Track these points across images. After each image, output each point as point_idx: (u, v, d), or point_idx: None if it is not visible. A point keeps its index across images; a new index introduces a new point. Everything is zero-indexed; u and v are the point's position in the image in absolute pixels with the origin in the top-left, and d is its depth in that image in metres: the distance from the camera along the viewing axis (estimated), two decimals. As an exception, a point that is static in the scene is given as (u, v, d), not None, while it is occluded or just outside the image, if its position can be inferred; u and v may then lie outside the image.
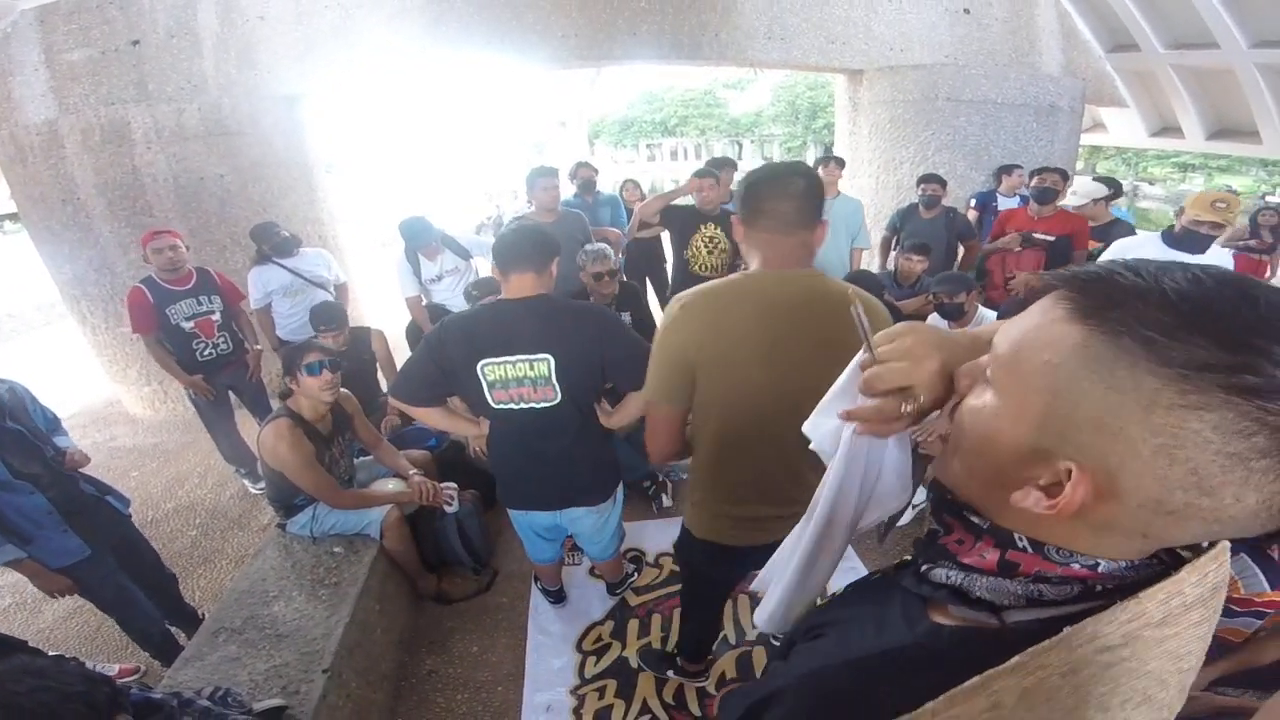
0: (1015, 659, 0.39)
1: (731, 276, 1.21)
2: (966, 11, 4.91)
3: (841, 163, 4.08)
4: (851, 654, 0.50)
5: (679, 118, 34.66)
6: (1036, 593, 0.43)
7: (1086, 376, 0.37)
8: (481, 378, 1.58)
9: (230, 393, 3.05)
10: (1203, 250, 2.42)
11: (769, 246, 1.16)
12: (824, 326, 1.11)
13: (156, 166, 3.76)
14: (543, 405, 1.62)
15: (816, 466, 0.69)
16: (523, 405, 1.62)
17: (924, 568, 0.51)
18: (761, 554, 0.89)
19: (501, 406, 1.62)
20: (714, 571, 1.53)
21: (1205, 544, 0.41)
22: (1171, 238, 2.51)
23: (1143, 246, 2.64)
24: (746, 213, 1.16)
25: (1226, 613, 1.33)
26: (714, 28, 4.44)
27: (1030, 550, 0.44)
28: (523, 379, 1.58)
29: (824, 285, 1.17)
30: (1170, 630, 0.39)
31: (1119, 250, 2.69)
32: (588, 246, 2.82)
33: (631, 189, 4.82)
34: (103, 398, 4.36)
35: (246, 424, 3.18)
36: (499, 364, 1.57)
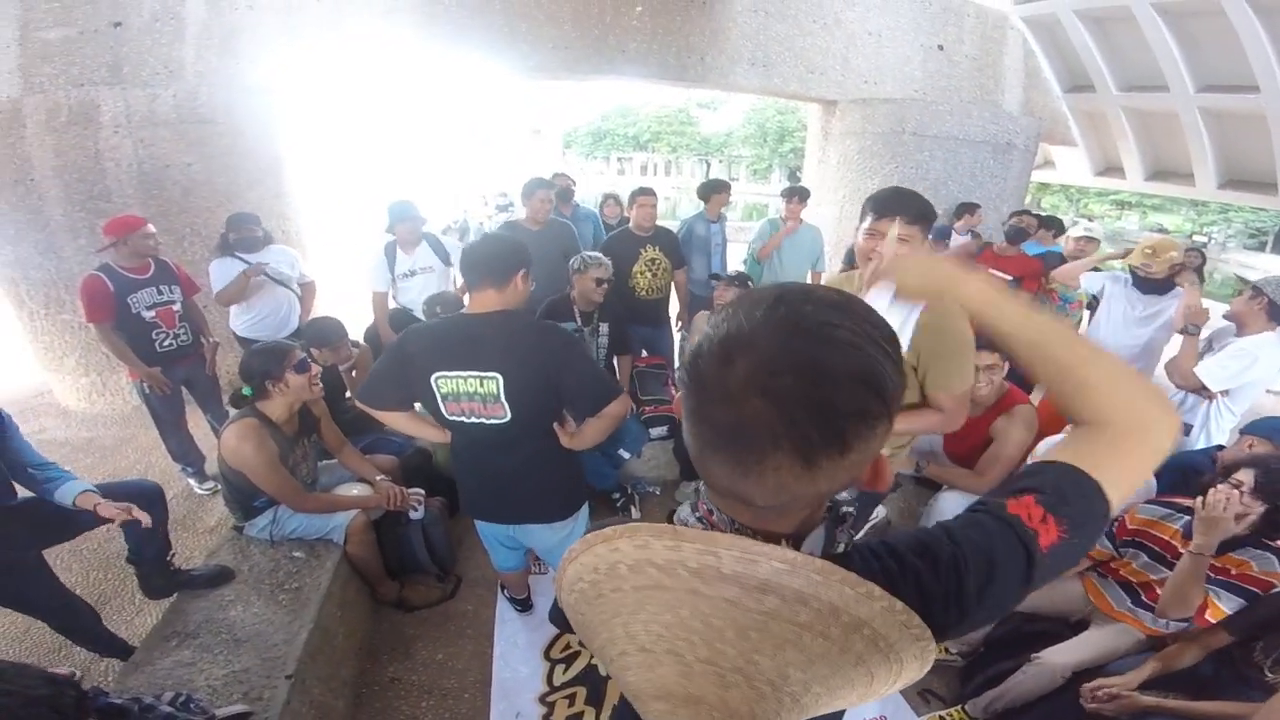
0: (601, 525, 0.51)
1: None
2: (940, 48, 5.18)
3: (806, 195, 3.92)
4: None
5: (652, 133, 34.98)
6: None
7: None
8: (435, 389, 1.57)
9: (183, 388, 2.93)
10: (1163, 293, 2.65)
11: None
12: None
13: (121, 151, 3.59)
14: (493, 422, 1.60)
15: None
16: (474, 420, 1.60)
17: None
18: None
19: (454, 419, 1.62)
20: None
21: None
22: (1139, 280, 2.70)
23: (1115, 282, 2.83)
24: (926, 224, 1.40)
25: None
26: (700, 51, 4.56)
27: None
28: (473, 394, 1.56)
29: None
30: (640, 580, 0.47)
31: (1095, 283, 2.89)
32: (588, 253, 2.80)
33: (612, 205, 4.71)
34: (31, 387, 4.07)
35: (194, 421, 3.06)
36: (451, 377, 1.56)
